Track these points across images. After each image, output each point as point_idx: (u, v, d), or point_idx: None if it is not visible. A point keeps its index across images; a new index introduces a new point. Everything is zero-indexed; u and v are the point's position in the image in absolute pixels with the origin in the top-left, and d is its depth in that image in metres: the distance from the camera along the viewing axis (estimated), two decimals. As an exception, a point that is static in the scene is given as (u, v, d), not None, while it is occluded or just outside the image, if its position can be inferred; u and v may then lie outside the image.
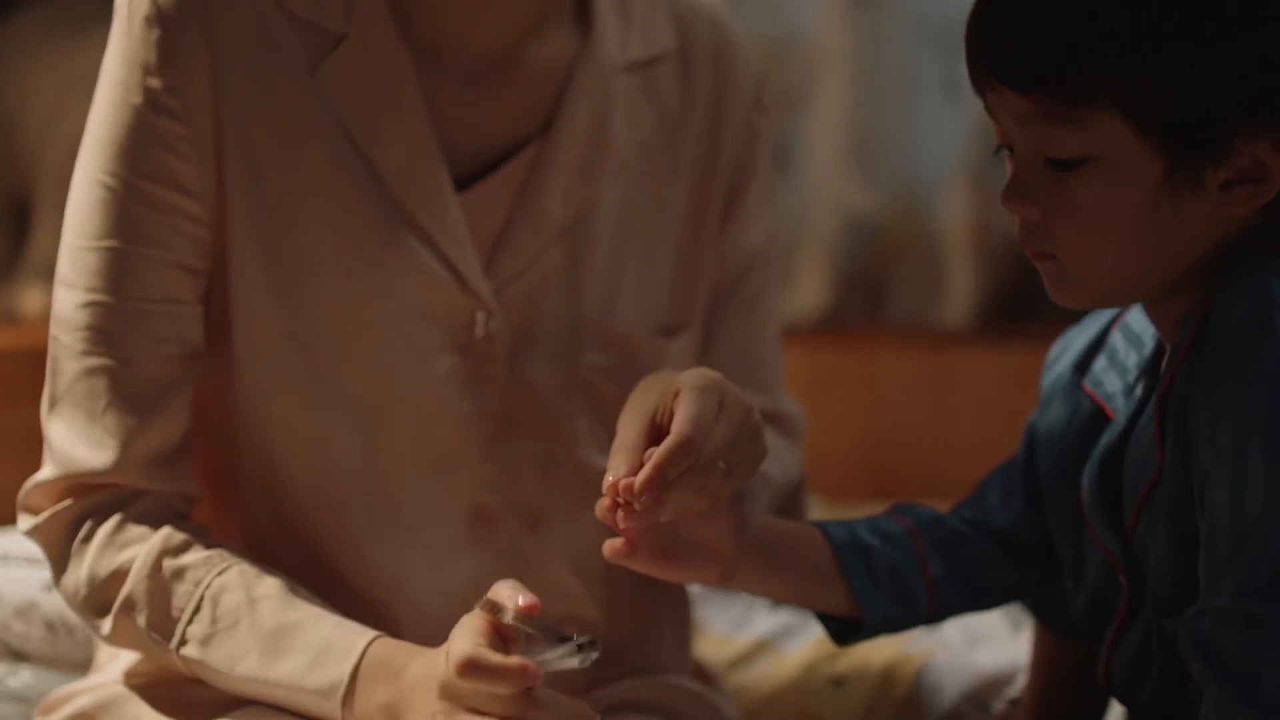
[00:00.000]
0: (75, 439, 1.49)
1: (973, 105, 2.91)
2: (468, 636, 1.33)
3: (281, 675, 1.42)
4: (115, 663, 1.57)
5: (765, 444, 1.39)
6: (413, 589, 1.49)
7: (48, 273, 2.98)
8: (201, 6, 1.51)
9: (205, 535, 1.49)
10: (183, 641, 1.45)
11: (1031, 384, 2.83)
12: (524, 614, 1.33)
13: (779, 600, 1.62)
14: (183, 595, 1.46)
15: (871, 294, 3.13)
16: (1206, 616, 1.33)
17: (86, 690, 1.55)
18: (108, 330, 1.50)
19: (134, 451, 1.47)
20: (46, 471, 1.51)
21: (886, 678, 1.89)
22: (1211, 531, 1.32)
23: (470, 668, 1.30)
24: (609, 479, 1.34)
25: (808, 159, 2.97)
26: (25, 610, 1.84)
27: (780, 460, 1.59)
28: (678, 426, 1.33)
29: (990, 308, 3.06)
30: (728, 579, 1.47)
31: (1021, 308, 3.09)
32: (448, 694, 1.34)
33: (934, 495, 2.13)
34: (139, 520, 1.46)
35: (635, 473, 1.32)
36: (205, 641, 1.44)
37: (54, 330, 1.53)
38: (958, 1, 3.09)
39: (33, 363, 2.69)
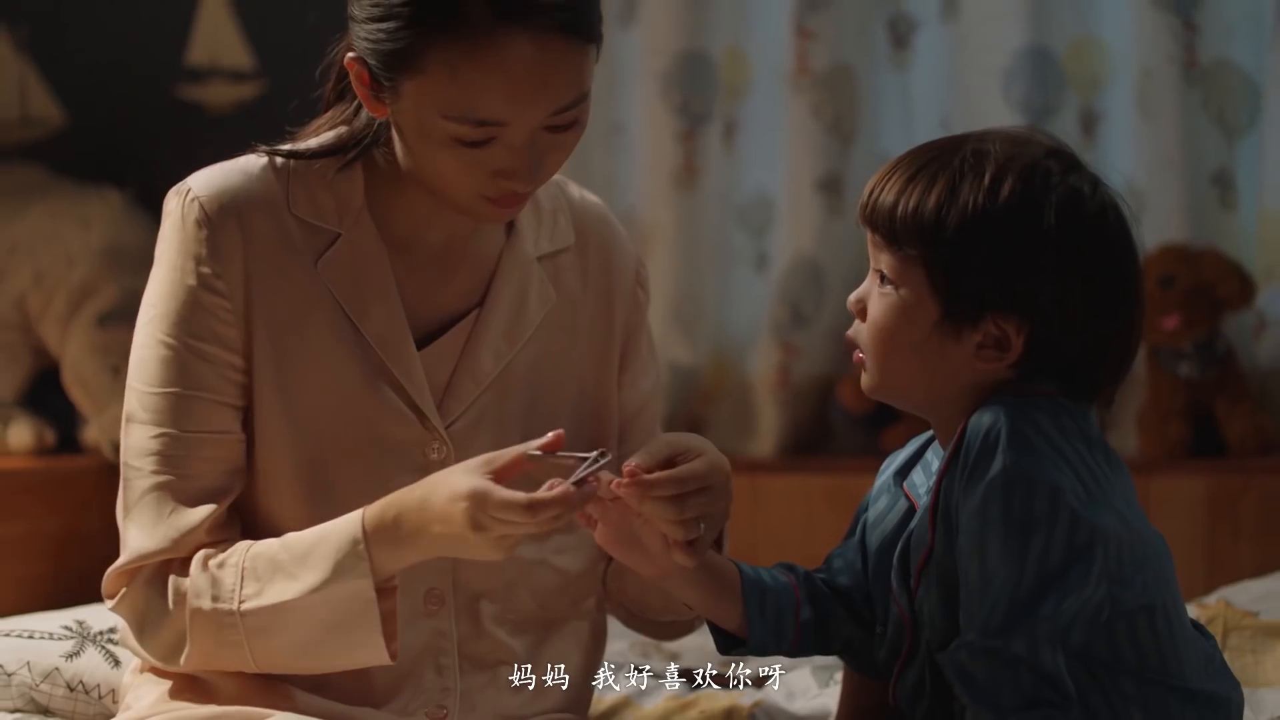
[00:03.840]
0: (145, 536, 1.83)
1: (776, 274, 3.35)
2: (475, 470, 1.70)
3: (316, 579, 1.76)
4: (140, 702, 1.89)
5: (729, 509, 1.78)
6: None
7: None
8: (237, 212, 1.86)
9: (232, 539, 1.83)
10: (243, 600, 1.78)
11: (825, 503, 3.12)
12: (548, 449, 1.72)
13: (691, 604, 1.91)
14: (230, 576, 1.79)
15: (692, 430, 3.20)
16: (962, 649, 1.66)
17: None
18: (172, 455, 1.83)
19: (191, 540, 1.82)
20: (122, 559, 1.85)
21: None
22: (966, 590, 1.66)
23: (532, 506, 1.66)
24: (632, 463, 1.71)
25: (638, 317, 3.28)
26: (50, 674, 2.11)
27: None
28: (694, 468, 1.72)
29: (791, 442, 3.33)
30: (663, 581, 1.82)
31: (817, 442, 3.37)
32: (473, 504, 1.67)
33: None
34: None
35: (647, 471, 1.71)
36: (258, 594, 1.78)
37: (125, 457, 1.87)
38: (762, 190, 3.38)
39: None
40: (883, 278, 1.75)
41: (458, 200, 1.83)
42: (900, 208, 1.73)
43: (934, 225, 1.71)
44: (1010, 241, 1.71)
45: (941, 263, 1.72)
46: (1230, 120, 3.14)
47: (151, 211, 3.43)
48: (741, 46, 3.39)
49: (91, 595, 2.81)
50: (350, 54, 1.81)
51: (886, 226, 1.74)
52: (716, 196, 3.41)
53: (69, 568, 3.18)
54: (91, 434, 3.41)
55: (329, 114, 1.94)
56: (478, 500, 1.69)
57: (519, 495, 1.69)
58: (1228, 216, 3.16)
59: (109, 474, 3.20)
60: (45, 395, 3.50)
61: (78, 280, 3.37)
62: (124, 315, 3.25)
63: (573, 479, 1.70)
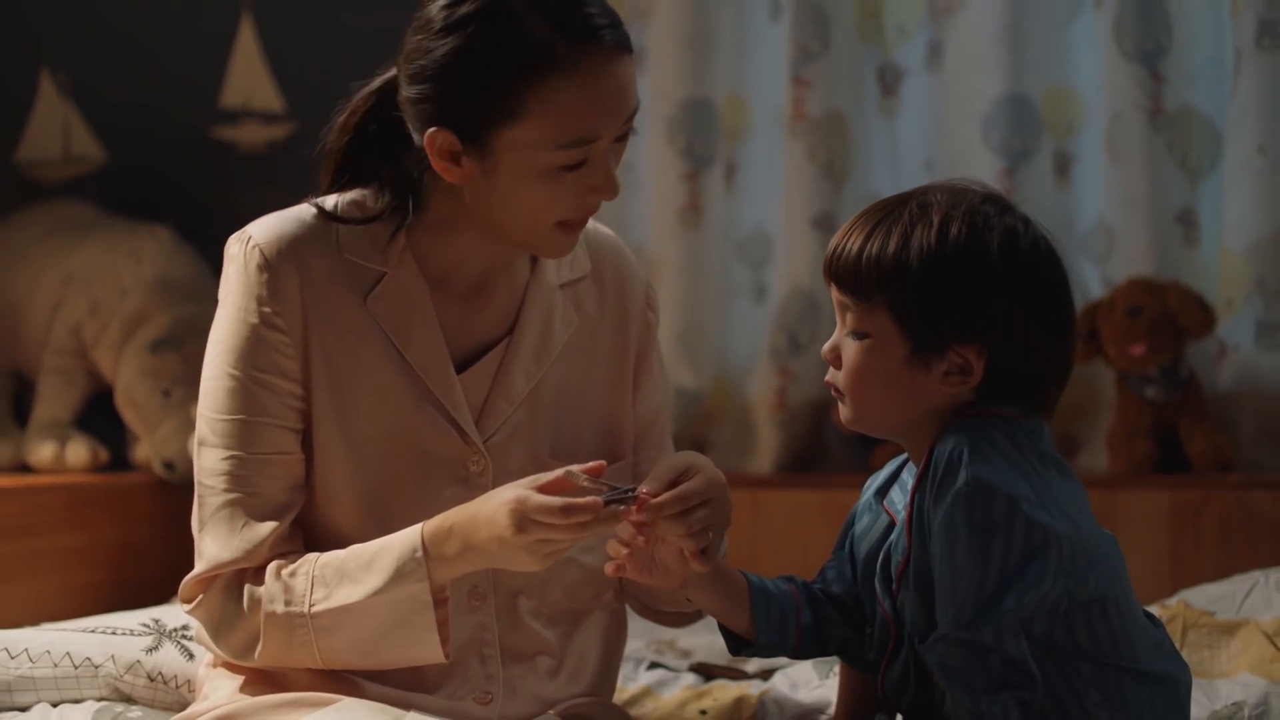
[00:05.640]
0: (220, 547, 1.95)
1: (773, 305, 3.46)
2: (519, 486, 1.82)
3: (378, 583, 1.89)
4: (218, 692, 2.02)
5: (730, 517, 1.90)
6: None
7: (49, 433, 3.46)
8: (294, 255, 1.99)
9: (298, 549, 1.96)
10: (313, 604, 1.91)
11: (820, 516, 3.17)
12: (591, 474, 1.85)
13: (705, 609, 2.02)
14: (301, 583, 1.92)
15: (695, 449, 3.11)
16: (939, 642, 1.80)
17: (202, 712, 1.99)
18: (241, 475, 1.96)
19: (261, 551, 1.95)
20: (199, 568, 1.97)
21: (737, 709, 2.29)
22: (939, 589, 1.80)
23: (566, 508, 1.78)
24: (642, 489, 1.84)
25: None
26: (132, 666, 2.26)
27: None
28: (695, 485, 1.85)
29: (788, 460, 3.43)
30: (682, 590, 1.95)
31: (812, 460, 3.47)
32: (519, 508, 1.80)
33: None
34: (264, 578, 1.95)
35: (655, 495, 1.83)
36: (327, 598, 1.91)
37: (199, 477, 1.98)
38: (761, 226, 3.53)
39: (43, 501, 3.17)
40: (853, 328, 1.87)
41: (534, 234, 1.96)
42: (863, 261, 1.85)
43: (895, 271, 1.83)
44: (963, 276, 1.83)
45: (906, 304, 1.84)
46: (1193, 163, 3.23)
47: (189, 244, 3.59)
48: (742, 94, 3.50)
49: (147, 601, 3.00)
50: (431, 130, 1.92)
51: (852, 280, 1.86)
52: (719, 232, 3.51)
53: (126, 575, 3.30)
54: (142, 452, 3.49)
55: (360, 190, 2.04)
56: (520, 503, 1.84)
57: (556, 499, 1.84)
58: (1191, 252, 3.24)
59: (160, 490, 3.41)
60: (90, 416, 3.61)
61: (130, 309, 3.46)
62: (174, 342, 3.42)
63: (604, 498, 1.85)
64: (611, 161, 1.94)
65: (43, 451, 3.42)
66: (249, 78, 3.81)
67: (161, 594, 3.13)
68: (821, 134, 3.41)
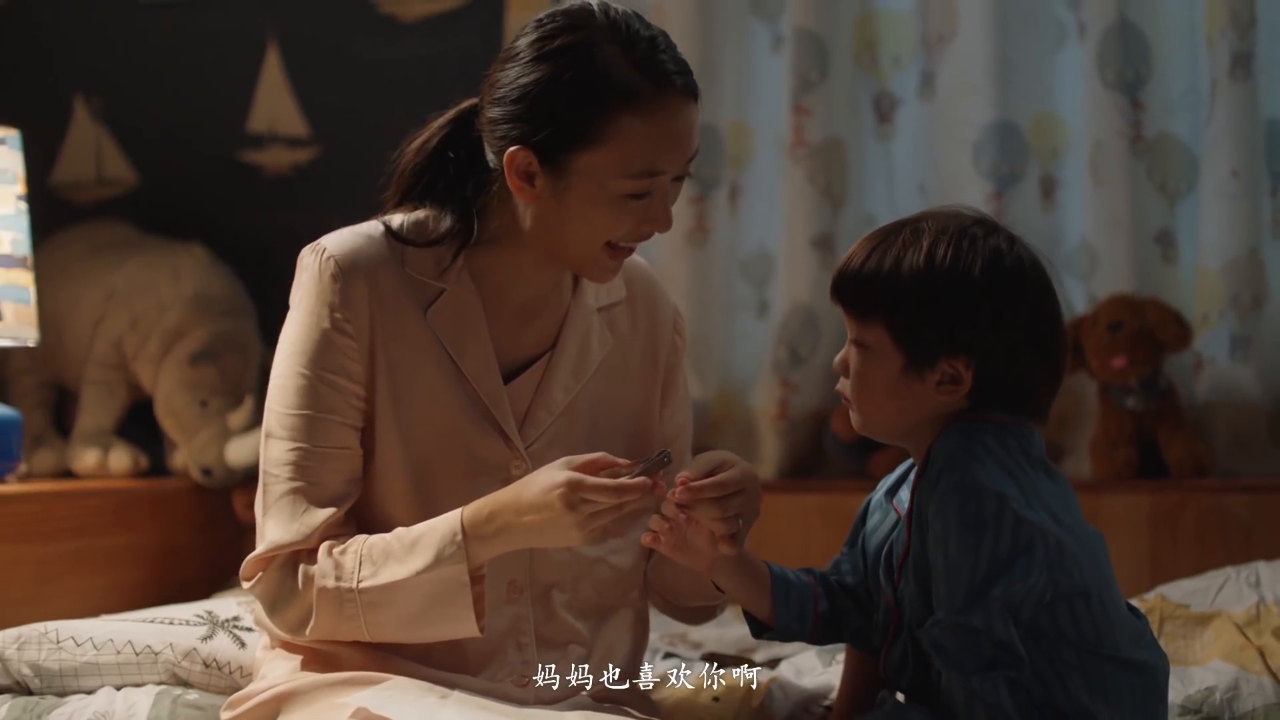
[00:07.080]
0: (280, 530, 2.07)
1: (775, 320, 3.53)
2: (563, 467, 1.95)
3: (421, 564, 2.00)
4: (275, 672, 2.12)
5: (759, 508, 2.03)
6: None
7: (93, 441, 3.57)
8: (365, 268, 2.09)
9: (349, 533, 2.06)
10: (361, 580, 2.02)
11: (820, 519, 3.27)
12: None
13: (730, 594, 2.11)
14: (351, 561, 2.03)
15: None
16: (934, 626, 1.90)
17: (260, 690, 2.10)
18: (304, 465, 2.07)
19: (318, 535, 2.07)
20: (259, 549, 2.08)
21: (746, 694, 2.34)
22: (935, 578, 1.90)
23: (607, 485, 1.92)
24: (682, 475, 1.97)
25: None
26: (189, 654, 2.41)
27: None
28: (733, 475, 2.00)
29: (790, 467, 3.53)
30: (710, 573, 2.07)
31: (812, 467, 3.56)
32: (569, 489, 1.92)
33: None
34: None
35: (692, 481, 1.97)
36: (374, 575, 2.01)
37: (264, 466, 2.10)
38: (763, 246, 3.65)
39: (91, 504, 3.28)
40: (856, 342, 2.00)
41: (586, 256, 2.08)
42: (860, 281, 1.97)
43: (887, 290, 1.94)
44: (949, 295, 1.92)
45: (898, 321, 1.95)
46: (1171, 187, 3.32)
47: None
48: (745, 121, 3.60)
49: (188, 597, 3.08)
50: (512, 149, 2.04)
51: (852, 299, 1.98)
52: (723, 252, 3.60)
53: (168, 574, 3.39)
54: (180, 459, 3.59)
55: (422, 210, 2.15)
56: (573, 484, 1.97)
57: (609, 480, 1.97)
58: (1169, 270, 3.33)
59: (198, 495, 3.53)
60: (128, 425, 3.70)
61: (170, 324, 3.53)
62: (211, 355, 3.51)
63: (638, 470, 1.99)
64: (670, 198, 2.06)
65: (87, 458, 3.50)
66: (274, 104, 3.87)
67: (202, 591, 3.22)
68: (820, 159, 3.49)
